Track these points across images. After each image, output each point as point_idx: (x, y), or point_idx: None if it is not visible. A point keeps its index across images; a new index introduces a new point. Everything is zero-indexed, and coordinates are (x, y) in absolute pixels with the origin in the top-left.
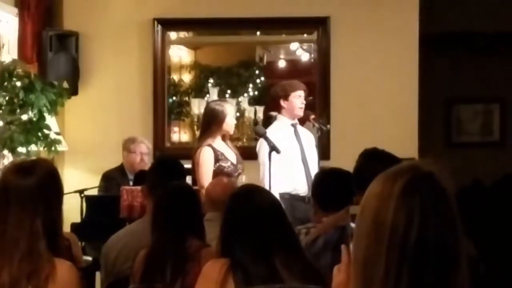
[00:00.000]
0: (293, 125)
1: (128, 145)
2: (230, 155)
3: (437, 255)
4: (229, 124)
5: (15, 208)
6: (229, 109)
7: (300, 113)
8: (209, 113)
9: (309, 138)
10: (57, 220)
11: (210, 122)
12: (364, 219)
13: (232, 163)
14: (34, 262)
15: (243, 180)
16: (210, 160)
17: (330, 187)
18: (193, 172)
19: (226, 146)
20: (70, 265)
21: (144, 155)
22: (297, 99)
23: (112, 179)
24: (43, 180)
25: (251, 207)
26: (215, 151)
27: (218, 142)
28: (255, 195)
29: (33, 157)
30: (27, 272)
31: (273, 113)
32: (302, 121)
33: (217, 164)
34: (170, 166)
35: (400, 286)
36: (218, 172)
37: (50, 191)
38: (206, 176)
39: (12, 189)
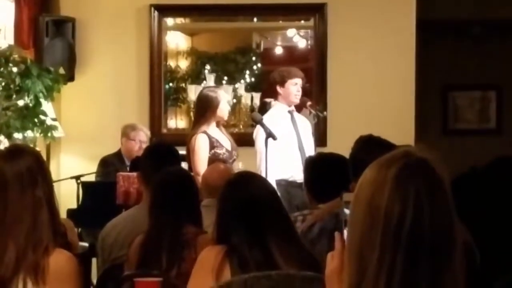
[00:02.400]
0: (290, 112)
1: (128, 131)
2: (225, 141)
3: (432, 240)
4: (223, 110)
5: (14, 189)
6: (223, 95)
7: (296, 100)
8: (203, 99)
9: (305, 125)
10: (53, 195)
11: (204, 109)
12: (359, 205)
13: (227, 150)
14: (39, 233)
15: (239, 166)
16: (205, 147)
17: (322, 178)
18: (188, 159)
19: (221, 132)
20: (69, 255)
21: (142, 143)
22: (294, 86)
23: (110, 164)
24: (36, 158)
25: (246, 194)
26: (210, 138)
27: (212, 129)
28: (250, 182)
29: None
30: (33, 243)
31: (268, 100)
32: (299, 107)
33: (212, 151)
34: (163, 152)
35: (395, 273)
36: (214, 159)
37: (44, 167)
38: (201, 163)
39: (8, 172)
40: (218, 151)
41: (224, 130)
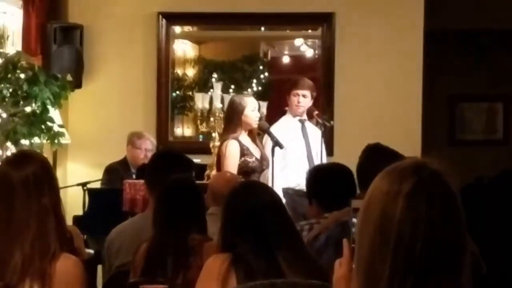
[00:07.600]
0: (301, 121)
1: (133, 139)
2: (255, 150)
3: (442, 258)
4: (249, 116)
5: (20, 195)
6: (249, 102)
7: (297, 111)
8: (229, 105)
9: (316, 135)
10: (59, 201)
11: (231, 115)
12: (369, 217)
13: (256, 159)
14: (45, 240)
15: (267, 176)
16: (236, 153)
17: (331, 186)
18: (218, 164)
19: (251, 141)
20: (76, 260)
21: (148, 151)
22: (294, 97)
23: (115, 172)
24: (42, 165)
25: (251, 202)
26: (241, 145)
27: (243, 137)
28: (255, 190)
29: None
30: (39, 250)
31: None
32: (307, 117)
33: (242, 158)
34: (170, 159)
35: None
36: (243, 166)
37: (50, 174)
38: (230, 169)
39: (15, 178)
40: (248, 159)
41: (258, 139)
